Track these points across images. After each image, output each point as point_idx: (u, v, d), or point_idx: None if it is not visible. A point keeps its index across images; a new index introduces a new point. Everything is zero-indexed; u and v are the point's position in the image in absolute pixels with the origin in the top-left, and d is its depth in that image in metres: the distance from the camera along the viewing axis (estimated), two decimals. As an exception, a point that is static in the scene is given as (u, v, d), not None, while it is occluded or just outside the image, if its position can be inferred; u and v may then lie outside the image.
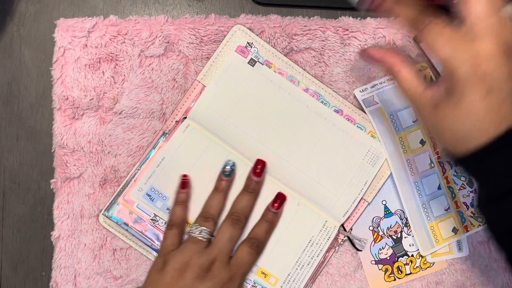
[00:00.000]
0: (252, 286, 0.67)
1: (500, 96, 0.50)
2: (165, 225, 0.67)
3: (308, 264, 0.67)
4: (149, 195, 0.67)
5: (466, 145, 0.51)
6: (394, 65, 0.56)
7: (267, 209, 0.66)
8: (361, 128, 0.70)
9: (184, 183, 0.67)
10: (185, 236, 0.66)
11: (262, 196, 0.67)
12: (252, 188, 0.66)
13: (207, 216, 0.65)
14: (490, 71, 0.49)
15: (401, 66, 0.55)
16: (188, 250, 0.62)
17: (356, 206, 0.69)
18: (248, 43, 0.69)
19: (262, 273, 0.67)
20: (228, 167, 0.67)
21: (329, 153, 0.69)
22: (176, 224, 0.65)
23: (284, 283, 0.67)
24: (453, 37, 0.51)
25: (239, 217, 0.65)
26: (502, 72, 0.49)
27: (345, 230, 0.69)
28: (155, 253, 0.68)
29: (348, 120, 0.70)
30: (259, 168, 0.66)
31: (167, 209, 0.67)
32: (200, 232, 0.63)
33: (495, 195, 0.52)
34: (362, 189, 0.69)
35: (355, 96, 0.70)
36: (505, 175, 0.51)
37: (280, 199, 0.67)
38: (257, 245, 0.65)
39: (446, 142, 0.54)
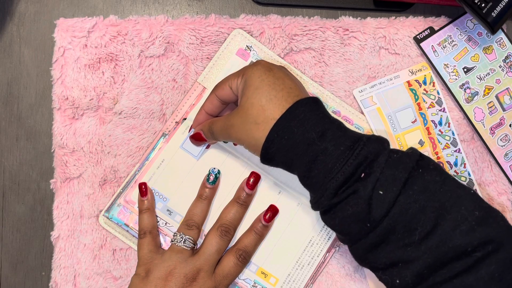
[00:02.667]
0: (252, 286, 0.67)
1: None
2: (166, 226, 0.67)
3: (308, 264, 0.67)
4: (149, 196, 0.67)
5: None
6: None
7: (258, 220, 0.66)
8: (358, 129, 0.70)
9: (142, 192, 0.66)
10: (162, 241, 0.67)
11: (261, 197, 0.67)
12: (243, 200, 0.66)
13: (191, 224, 0.64)
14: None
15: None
16: (172, 259, 0.62)
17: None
18: (247, 46, 0.69)
19: (262, 273, 0.67)
20: (212, 175, 0.66)
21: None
22: (147, 231, 0.65)
23: (284, 283, 0.67)
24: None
25: (228, 229, 0.64)
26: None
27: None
28: (155, 253, 0.68)
29: (346, 121, 0.69)
30: (252, 180, 0.66)
31: (168, 210, 0.67)
32: (184, 242, 0.63)
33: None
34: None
35: (355, 96, 0.70)
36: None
37: (272, 211, 0.66)
38: (244, 257, 0.64)
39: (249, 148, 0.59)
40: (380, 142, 0.55)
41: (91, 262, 0.69)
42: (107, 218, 0.68)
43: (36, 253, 0.70)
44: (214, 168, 0.66)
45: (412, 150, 0.56)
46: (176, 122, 0.69)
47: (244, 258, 0.64)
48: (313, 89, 0.69)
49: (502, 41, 0.71)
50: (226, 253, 0.64)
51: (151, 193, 0.67)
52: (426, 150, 0.70)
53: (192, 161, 0.68)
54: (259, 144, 0.57)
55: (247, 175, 0.67)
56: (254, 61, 0.69)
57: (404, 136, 0.70)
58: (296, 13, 0.71)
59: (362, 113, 0.70)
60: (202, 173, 0.67)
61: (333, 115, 0.69)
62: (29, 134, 0.70)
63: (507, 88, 0.71)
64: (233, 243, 0.66)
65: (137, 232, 0.67)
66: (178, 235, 0.63)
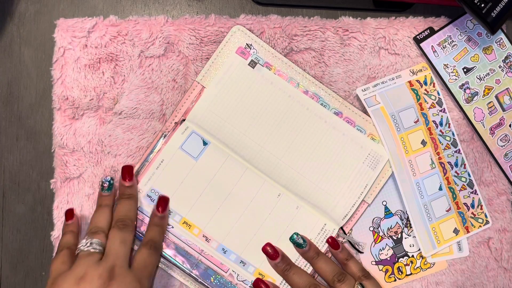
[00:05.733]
0: (250, 287, 0.67)
1: None
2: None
3: (305, 266, 0.67)
4: (149, 196, 0.67)
5: None
6: None
7: (154, 215, 0.66)
8: (360, 131, 0.69)
9: (68, 216, 0.66)
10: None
11: (260, 199, 0.67)
12: (128, 194, 0.66)
13: (95, 230, 0.62)
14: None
15: None
16: (81, 265, 0.58)
17: (356, 209, 0.69)
18: (247, 44, 0.69)
19: (260, 274, 0.67)
20: (106, 183, 0.66)
21: (329, 156, 0.69)
22: (64, 247, 0.62)
23: (281, 284, 0.67)
24: None
25: (125, 221, 0.63)
26: None
27: (344, 233, 0.69)
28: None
29: (348, 122, 0.69)
30: (127, 171, 0.66)
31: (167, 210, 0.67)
32: (90, 244, 0.60)
33: None
34: (362, 192, 0.69)
35: (355, 96, 0.70)
36: None
37: (163, 202, 0.66)
38: (155, 246, 0.63)
39: None
40: None
41: (91, 262, 0.69)
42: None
43: (36, 253, 0.70)
44: (106, 176, 0.66)
45: None
46: (175, 122, 0.69)
47: (155, 247, 0.63)
48: (315, 88, 0.69)
49: (501, 41, 0.70)
50: (137, 250, 0.63)
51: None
52: (428, 151, 0.70)
53: (191, 162, 0.68)
54: None
55: (246, 177, 0.67)
56: (255, 60, 0.69)
57: (407, 136, 0.70)
58: (296, 13, 0.71)
59: (365, 112, 0.70)
60: (202, 174, 0.67)
61: (335, 117, 0.69)
62: (29, 134, 0.70)
63: (507, 88, 0.71)
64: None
65: (138, 233, 0.66)
66: (83, 242, 0.61)
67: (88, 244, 0.60)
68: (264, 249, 0.66)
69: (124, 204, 0.65)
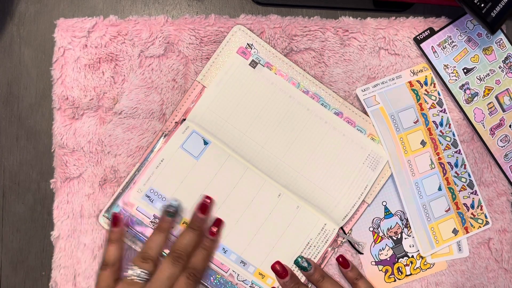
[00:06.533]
0: (250, 287, 0.67)
1: None
2: (164, 226, 0.67)
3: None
4: (148, 197, 0.67)
5: None
6: None
7: (205, 237, 0.65)
8: (360, 131, 0.69)
9: (116, 221, 0.66)
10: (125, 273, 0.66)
11: (260, 199, 0.67)
12: (197, 226, 0.65)
13: (146, 257, 0.63)
14: None
15: None
16: None
17: (356, 209, 0.69)
18: (248, 44, 0.69)
19: (260, 274, 0.67)
20: (172, 208, 0.66)
21: (329, 156, 0.69)
22: (110, 264, 0.64)
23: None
24: None
25: (181, 255, 0.63)
26: None
27: (344, 233, 0.69)
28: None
29: (348, 122, 0.69)
30: (204, 203, 0.66)
31: (167, 209, 0.67)
32: (138, 275, 0.62)
33: None
34: (362, 193, 0.69)
35: (355, 96, 0.70)
36: None
37: (218, 225, 0.66)
38: (195, 274, 0.63)
39: None
40: None
41: (91, 262, 0.69)
42: (107, 218, 0.68)
43: (36, 253, 0.70)
44: (175, 201, 0.66)
45: None
46: (176, 122, 0.69)
47: (195, 275, 0.63)
48: (316, 88, 0.69)
49: (501, 42, 0.70)
50: (179, 276, 0.63)
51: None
52: (428, 151, 0.70)
53: (192, 161, 0.67)
54: None
55: (247, 177, 0.67)
56: (256, 60, 0.69)
57: (406, 136, 0.70)
58: (296, 13, 0.71)
59: (365, 113, 0.70)
60: (203, 173, 0.67)
61: (335, 117, 0.69)
62: (29, 134, 0.70)
63: (507, 89, 0.71)
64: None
65: (138, 233, 0.66)
66: (131, 269, 0.62)
67: (137, 275, 0.62)
68: (273, 267, 0.66)
69: (187, 235, 0.64)
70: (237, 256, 0.67)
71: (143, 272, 0.62)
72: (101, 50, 0.69)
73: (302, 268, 0.66)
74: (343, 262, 0.68)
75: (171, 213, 0.65)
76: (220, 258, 0.67)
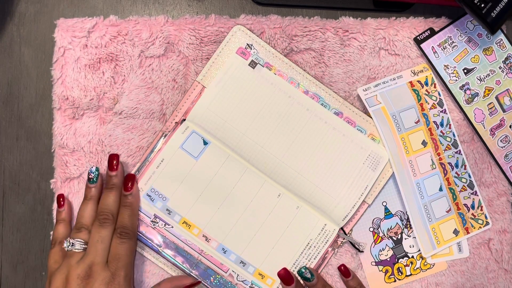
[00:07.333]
0: (250, 287, 0.67)
1: None
2: (165, 227, 0.67)
3: None
4: (149, 196, 0.67)
5: None
6: None
7: (123, 195, 0.66)
8: (361, 131, 0.69)
9: (60, 202, 0.67)
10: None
11: (260, 199, 0.67)
12: (112, 184, 0.66)
13: (80, 227, 0.64)
14: None
15: None
16: (66, 265, 0.62)
17: (357, 209, 0.69)
18: (247, 44, 0.69)
19: (260, 274, 0.67)
20: (92, 174, 0.66)
21: (329, 157, 0.69)
22: (57, 241, 0.65)
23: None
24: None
25: (106, 216, 0.64)
26: None
27: (345, 233, 0.69)
28: (154, 254, 0.68)
29: (348, 122, 0.69)
30: (115, 163, 0.66)
31: (167, 210, 0.67)
32: (72, 245, 0.63)
33: None
34: (363, 193, 0.69)
35: (355, 97, 0.70)
36: None
37: (130, 179, 0.66)
38: (126, 232, 0.64)
39: None
40: None
41: (91, 262, 0.69)
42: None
43: (36, 253, 0.70)
44: (92, 167, 0.67)
45: None
46: (176, 122, 0.69)
47: (126, 233, 0.64)
48: (316, 88, 0.69)
49: (502, 42, 0.70)
50: (112, 239, 0.64)
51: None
52: (429, 151, 0.70)
53: (192, 161, 0.68)
54: None
55: (247, 177, 0.67)
56: (255, 60, 0.69)
57: (408, 136, 0.70)
58: (296, 13, 0.71)
59: (366, 113, 0.70)
60: (202, 174, 0.67)
61: (335, 117, 0.69)
62: (29, 134, 0.70)
63: (507, 89, 0.71)
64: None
65: (138, 233, 0.67)
66: (67, 241, 0.64)
67: (71, 245, 0.63)
68: (279, 274, 0.66)
69: (107, 196, 0.66)
70: (236, 256, 0.67)
71: (78, 241, 0.63)
72: (101, 50, 0.69)
73: (305, 279, 0.66)
74: (344, 271, 0.68)
75: (91, 179, 0.66)
76: (219, 258, 0.67)
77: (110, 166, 0.66)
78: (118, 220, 0.65)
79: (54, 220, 0.69)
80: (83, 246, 0.63)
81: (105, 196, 0.66)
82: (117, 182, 0.66)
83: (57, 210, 0.67)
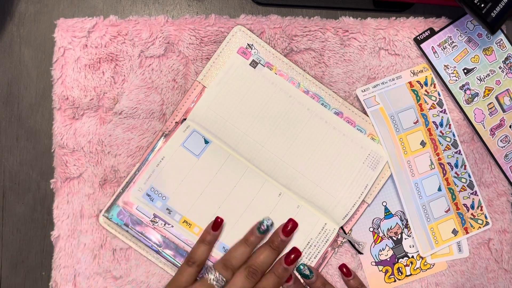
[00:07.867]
0: (252, 286, 0.67)
1: None
2: (164, 226, 0.67)
3: None
4: (148, 195, 0.67)
5: None
6: None
7: (279, 263, 0.65)
8: (361, 131, 0.69)
9: (216, 225, 0.66)
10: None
11: (261, 198, 0.67)
12: (277, 246, 0.65)
13: (228, 266, 0.64)
14: None
15: None
16: None
17: (356, 209, 0.69)
18: (248, 44, 0.69)
19: (261, 274, 0.67)
20: (265, 225, 0.66)
21: (329, 156, 0.69)
22: (196, 263, 0.65)
23: (283, 284, 0.67)
24: None
25: (256, 271, 0.64)
26: None
27: (345, 232, 0.69)
28: (154, 254, 0.68)
29: (348, 122, 0.69)
30: (290, 227, 0.65)
31: (167, 209, 0.67)
32: (217, 281, 0.63)
33: None
34: (363, 192, 0.69)
35: (355, 97, 0.70)
36: None
37: (294, 253, 0.65)
38: None
39: None
40: None
41: (91, 262, 0.69)
42: (107, 218, 0.68)
43: (36, 253, 0.70)
44: (269, 219, 0.66)
45: None
46: (176, 122, 0.69)
47: None
48: (315, 88, 0.69)
49: (502, 42, 0.70)
50: None
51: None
52: (428, 151, 0.70)
53: (193, 159, 0.67)
54: None
55: (247, 176, 0.67)
56: (256, 60, 0.69)
57: (406, 136, 0.70)
58: (296, 13, 0.71)
59: (365, 113, 0.70)
60: (203, 172, 0.67)
61: (335, 117, 0.69)
62: (29, 134, 0.70)
63: (507, 89, 0.71)
64: None
65: (138, 233, 0.66)
66: (214, 273, 0.63)
67: (216, 280, 0.63)
68: None
69: (265, 253, 0.65)
70: (237, 256, 0.67)
71: (222, 279, 0.63)
72: (101, 50, 0.69)
73: (304, 276, 0.66)
74: (346, 272, 0.68)
75: (263, 230, 0.65)
76: (219, 257, 0.67)
77: (287, 231, 0.65)
78: (264, 283, 0.64)
79: (198, 237, 0.67)
80: (223, 284, 0.63)
81: (264, 252, 0.65)
82: (282, 246, 0.66)
83: (207, 230, 0.66)
